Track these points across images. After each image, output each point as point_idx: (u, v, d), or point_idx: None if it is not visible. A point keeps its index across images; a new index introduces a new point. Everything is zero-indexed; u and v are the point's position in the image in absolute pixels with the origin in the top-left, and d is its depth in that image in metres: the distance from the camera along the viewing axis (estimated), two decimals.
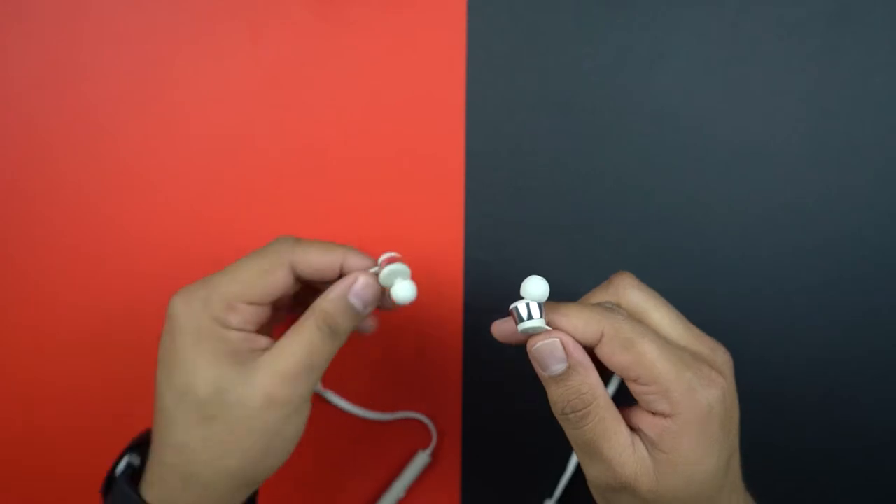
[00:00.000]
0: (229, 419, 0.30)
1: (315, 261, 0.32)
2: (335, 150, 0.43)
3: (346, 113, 0.42)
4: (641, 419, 0.29)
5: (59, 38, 0.42)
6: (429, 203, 0.43)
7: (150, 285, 0.44)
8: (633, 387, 0.29)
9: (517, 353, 0.43)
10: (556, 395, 0.30)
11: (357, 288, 0.32)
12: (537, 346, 0.29)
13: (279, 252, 0.32)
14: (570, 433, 0.30)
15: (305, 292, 0.35)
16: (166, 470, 0.31)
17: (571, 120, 0.42)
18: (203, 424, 0.30)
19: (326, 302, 0.32)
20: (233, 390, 0.30)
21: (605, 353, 0.29)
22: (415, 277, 0.43)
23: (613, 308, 0.30)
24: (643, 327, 0.29)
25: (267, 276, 0.31)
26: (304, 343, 0.31)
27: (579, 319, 0.29)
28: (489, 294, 0.44)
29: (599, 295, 0.32)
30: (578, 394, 0.29)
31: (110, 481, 0.33)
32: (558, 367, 0.29)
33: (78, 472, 0.38)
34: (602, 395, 0.29)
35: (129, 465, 0.33)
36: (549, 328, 0.30)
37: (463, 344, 0.44)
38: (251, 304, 0.31)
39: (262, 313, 0.32)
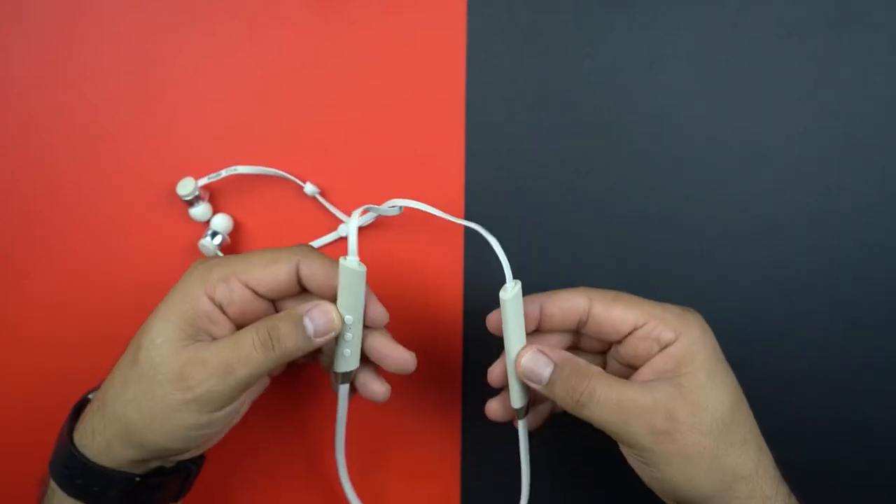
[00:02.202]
0: (145, 371, 0.31)
1: (317, 269, 0.33)
2: (335, 149, 0.43)
3: (346, 113, 0.42)
4: (652, 366, 0.32)
5: (59, 38, 0.42)
6: (429, 202, 0.43)
7: (150, 285, 0.44)
8: (632, 342, 0.33)
9: None
10: (560, 393, 0.32)
11: (315, 313, 0.32)
12: (524, 364, 0.32)
13: (291, 251, 0.33)
14: (598, 415, 0.31)
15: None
16: (98, 392, 0.33)
17: (571, 120, 0.42)
18: (131, 364, 0.32)
19: (280, 317, 0.32)
20: (160, 350, 0.31)
21: (600, 311, 0.33)
22: (415, 278, 0.43)
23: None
24: (617, 292, 0.34)
25: (269, 266, 0.32)
26: (234, 344, 0.31)
27: (567, 296, 0.33)
28: (489, 294, 0.44)
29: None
30: (576, 375, 0.32)
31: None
32: (548, 370, 0.32)
33: None
34: (596, 368, 0.32)
35: (86, 398, 0.35)
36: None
37: (463, 344, 0.44)
38: (247, 286, 0.32)
39: (252, 303, 0.33)
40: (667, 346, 0.32)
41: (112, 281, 0.44)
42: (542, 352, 0.32)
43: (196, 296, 0.32)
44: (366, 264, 0.34)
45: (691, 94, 0.42)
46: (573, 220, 0.43)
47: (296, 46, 0.42)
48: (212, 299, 0.32)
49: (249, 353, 0.31)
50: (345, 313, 0.32)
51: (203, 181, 0.41)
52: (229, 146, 0.43)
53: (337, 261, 0.32)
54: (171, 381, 0.31)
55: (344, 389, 0.35)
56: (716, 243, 0.43)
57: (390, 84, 0.42)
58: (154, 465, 0.33)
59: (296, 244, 0.34)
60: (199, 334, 0.32)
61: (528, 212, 0.43)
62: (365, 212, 0.33)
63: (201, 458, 0.36)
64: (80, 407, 0.35)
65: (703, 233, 0.43)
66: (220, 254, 0.42)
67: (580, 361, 0.33)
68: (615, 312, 0.33)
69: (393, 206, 0.33)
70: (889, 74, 0.41)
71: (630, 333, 0.33)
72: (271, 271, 0.32)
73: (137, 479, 0.33)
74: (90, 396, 0.35)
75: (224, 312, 0.33)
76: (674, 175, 0.42)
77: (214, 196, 0.43)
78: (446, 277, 0.44)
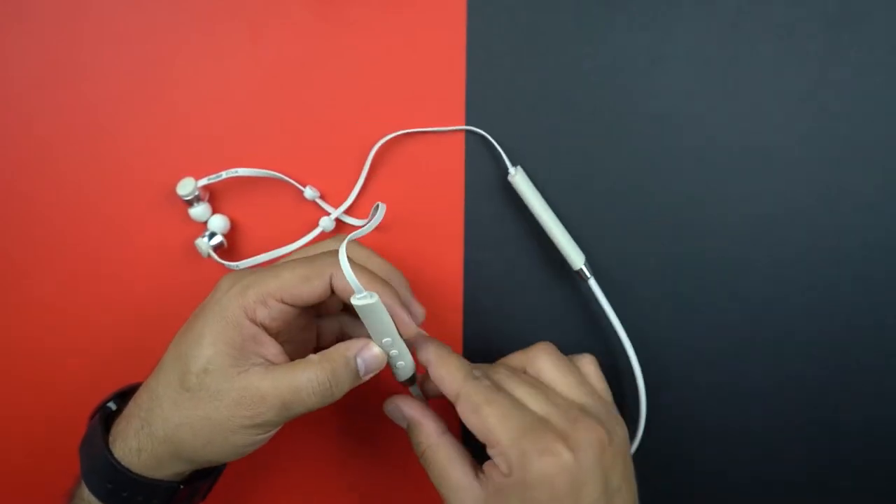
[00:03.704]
0: (199, 399, 0.32)
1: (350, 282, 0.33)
2: (335, 149, 0.43)
3: (346, 112, 0.42)
4: (492, 472, 0.33)
5: (59, 38, 0.42)
6: (429, 203, 0.43)
7: (149, 285, 0.44)
8: (487, 450, 0.33)
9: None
10: (411, 444, 0.36)
11: (367, 356, 0.33)
12: (386, 410, 0.37)
13: (323, 263, 0.33)
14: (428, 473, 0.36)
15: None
16: (134, 408, 0.34)
17: (571, 120, 0.42)
18: (179, 389, 0.32)
19: (337, 361, 0.33)
20: (214, 377, 0.31)
21: (460, 412, 0.34)
22: (414, 278, 0.43)
23: (484, 374, 0.35)
24: (499, 396, 0.33)
25: (305, 283, 0.33)
26: (293, 387, 0.32)
27: (447, 373, 0.34)
28: (489, 294, 0.44)
29: (516, 358, 0.37)
30: (416, 442, 0.36)
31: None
32: (403, 424, 0.37)
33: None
34: (435, 444, 0.35)
35: (106, 408, 0.36)
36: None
37: (463, 344, 0.44)
38: (283, 302, 0.33)
39: (293, 314, 0.33)
40: (503, 475, 0.33)
41: (112, 280, 0.44)
42: (398, 407, 0.36)
43: (238, 321, 0.32)
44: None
45: (691, 94, 0.42)
46: (572, 220, 0.43)
47: (296, 46, 0.42)
48: (254, 322, 0.32)
49: (308, 398, 0.32)
50: (381, 338, 0.33)
51: (203, 182, 0.41)
52: (229, 146, 0.43)
53: (362, 268, 0.33)
54: (229, 408, 0.31)
55: (415, 390, 0.38)
56: (716, 243, 0.43)
57: (390, 84, 0.42)
58: (192, 470, 0.35)
59: (323, 252, 0.34)
60: (250, 357, 0.32)
61: (528, 212, 0.43)
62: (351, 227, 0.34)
63: None
64: (106, 417, 0.35)
65: (703, 233, 0.43)
66: (214, 254, 0.42)
67: (427, 428, 0.36)
68: (470, 420, 0.33)
69: (370, 223, 0.32)
70: (889, 74, 0.41)
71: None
72: (307, 289, 0.33)
73: (182, 486, 0.34)
74: (111, 405, 0.36)
75: (267, 331, 0.33)
76: (674, 175, 0.42)
77: (214, 196, 0.43)
78: (446, 277, 0.44)
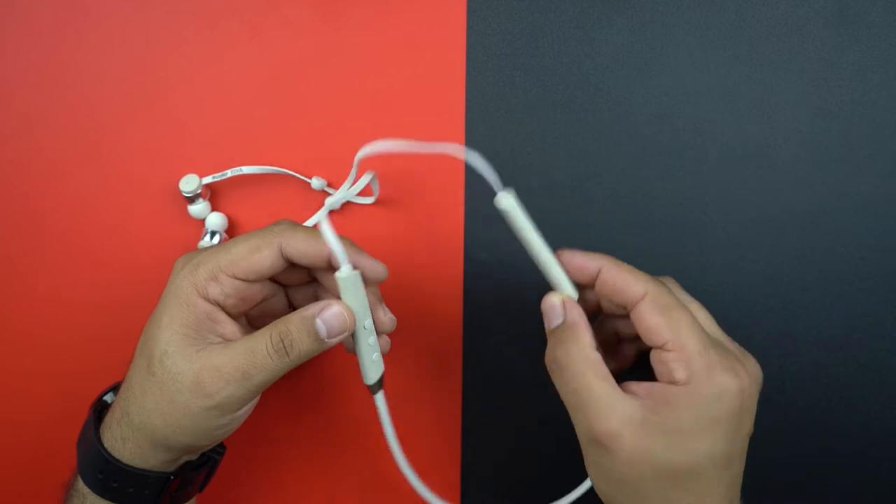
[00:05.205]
0: (163, 382, 0.31)
1: (301, 246, 0.32)
2: (335, 149, 0.43)
3: (346, 112, 0.42)
4: (651, 388, 0.31)
5: (59, 38, 0.42)
6: (429, 203, 0.43)
7: (150, 285, 0.44)
8: (657, 354, 0.31)
9: (517, 353, 0.44)
10: (549, 344, 0.33)
11: (327, 314, 0.32)
12: (545, 302, 0.34)
13: (272, 233, 0.33)
14: (555, 382, 0.33)
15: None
16: (118, 398, 0.34)
17: (571, 120, 0.42)
18: (146, 374, 0.32)
19: (291, 320, 0.32)
20: (173, 359, 0.31)
21: (643, 312, 0.31)
22: (414, 279, 0.43)
23: (662, 279, 0.33)
24: (684, 305, 0.31)
25: (254, 254, 0.32)
26: (249, 351, 0.31)
27: (630, 274, 0.32)
28: (489, 294, 0.44)
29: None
30: (568, 351, 0.32)
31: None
32: (556, 322, 0.33)
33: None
34: (587, 353, 0.32)
35: (102, 400, 0.36)
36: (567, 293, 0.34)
37: (463, 344, 0.44)
38: (235, 277, 0.32)
39: (247, 290, 0.33)
40: (672, 384, 0.31)
41: (111, 279, 0.44)
42: (564, 303, 0.33)
43: (191, 300, 0.32)
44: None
45: (691, 94, 0.42)
46: (572, 220, 0.43)
47: (296, 46, 0.42)
48: (207, 300, 0.32)
49: (265, 360, 0.31)
50: (361, 321, 0.32)
51: (207, 179, 0.41)
52: (229, 145, 0.43)
53: (318, 230, 0.32)
54: (189, 390, 0.31)
55: (380, 398, 0.35)
56: (716, 243, 0.43)
57: (390, 84, 0.42)
58: (183, 459, 0.34)
59: (275, 222, 0.34)
60: (207, 336, 0.32)
61: (528, 212, 0.43)
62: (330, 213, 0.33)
63: (222, 447, 0.38)
64: (100, 409, 0.35)
65: (703, 233, 0.43)
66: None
67: (582, 333, 0.32)
68: (656, 321, 0.31)
69: (352, 187, 0.31)
70: (888, 74, 0.41)
71: (636, 306, 0.32)
72: (256, 260, 0.32)
73: (171, 476, 0.34)
74: (107, 398, 0.36)
75: (223, 308, 0.33)
76: (673, 175, 0.42)
77: (216, 194, 0.43)
78: (446, 278, 0.44)
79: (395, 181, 0.43)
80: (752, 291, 0.43)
